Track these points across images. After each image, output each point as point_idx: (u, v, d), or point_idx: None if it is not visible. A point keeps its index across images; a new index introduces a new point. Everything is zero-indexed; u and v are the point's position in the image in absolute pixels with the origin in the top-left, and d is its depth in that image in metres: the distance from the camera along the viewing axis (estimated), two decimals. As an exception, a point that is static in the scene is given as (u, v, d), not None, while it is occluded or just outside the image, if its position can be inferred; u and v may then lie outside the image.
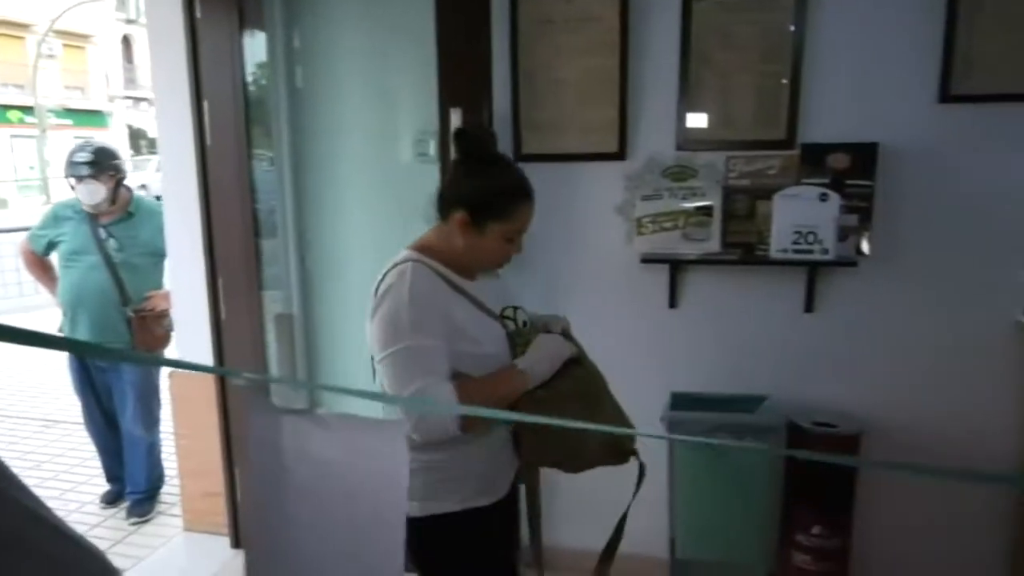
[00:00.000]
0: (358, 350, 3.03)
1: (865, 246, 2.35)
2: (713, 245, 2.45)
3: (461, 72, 2.40)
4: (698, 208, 2.44)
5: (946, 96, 2.26)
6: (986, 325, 2.34)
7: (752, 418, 2.38)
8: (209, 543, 3.07)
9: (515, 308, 1.61)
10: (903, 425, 2.44)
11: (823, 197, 2.29)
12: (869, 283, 2.39)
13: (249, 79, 2.86)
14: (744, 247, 2.44)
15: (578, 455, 1.54)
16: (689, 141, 2.47)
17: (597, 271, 2.61)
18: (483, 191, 1.48)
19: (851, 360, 2.46)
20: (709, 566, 2.52)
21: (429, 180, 2.54)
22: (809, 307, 2.46)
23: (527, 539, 1.65)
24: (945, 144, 2.29)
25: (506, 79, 2.53)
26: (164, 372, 3.39)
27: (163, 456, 3.55)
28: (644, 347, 2.62)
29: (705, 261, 2.45)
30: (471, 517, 1.52)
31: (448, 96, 2.40)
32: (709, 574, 2.56)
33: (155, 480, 3.48)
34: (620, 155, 2.51)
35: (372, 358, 1.51)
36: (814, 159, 2.36)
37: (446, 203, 1.51)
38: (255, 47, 2.87)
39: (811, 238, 2.31)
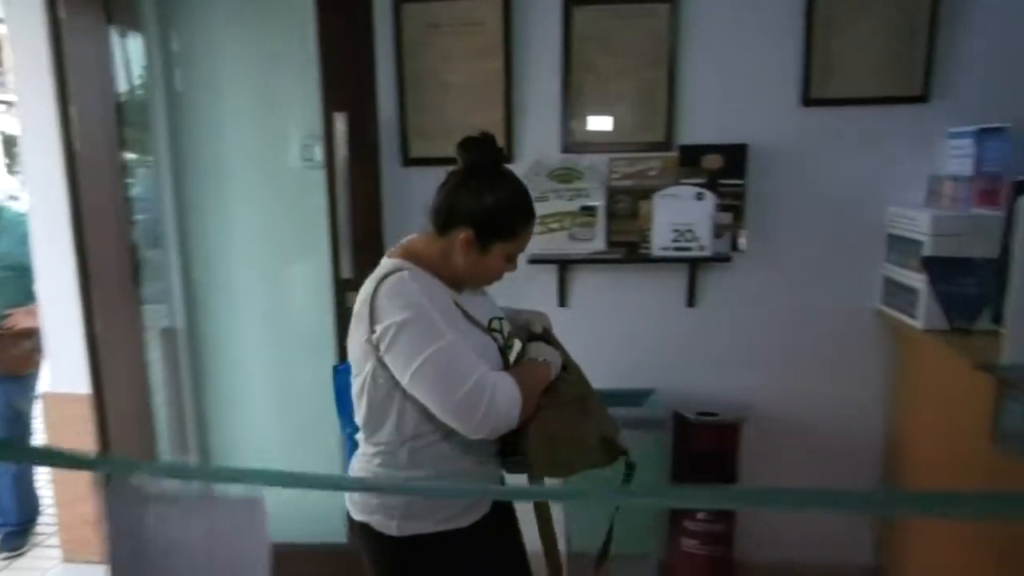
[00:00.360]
0: (248, 364, 2.98)
1: (739, 242, 2.47)
2: (599, 244, 2.52)
3: (344, 76, 2.37)
4: (584, 209, 2.51)
5: (808, 100, 2.43)
6: (848, 314, 2.52)
7: (641, 411, 2.46)
8: (90, 573, 2.90)
9: (500, 320, 1.55)
10: (778, 410, 2.59)
11: (699, 196, 2.40)
12: (744, 277, 2.53)
13: (124, 83, 2.74)
14: (628, 246, 2.53)
15: (583, 459, 1.48)
16: (574, 144, 2.53)
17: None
18: (491, 211, 1.39)
19: (730, 351, 2.59)
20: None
21: (317, 186, 2.51)
22: (691, 302, 2.57)
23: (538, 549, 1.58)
24: (807, 145, 2.45)
25: (391, 83, 2.53)
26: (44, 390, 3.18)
27: (37, 484, 3.33)
28: (537, 347, 2.66)
29: (592, 260, 2.52)
30: (451, 538, 1.45)
31: (332, 100, 2.37)
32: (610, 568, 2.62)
33: (28, 511, 3.25)
34: (507, 158, 2.54)
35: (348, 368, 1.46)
36: (691, 160, 2.47)
37: (449, 219, 1.41)
38: (131, 49, 2.75)
39: (689, 236, 2.41)
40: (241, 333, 2.89)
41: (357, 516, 1.49)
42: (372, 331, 1.35)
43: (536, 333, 1.60)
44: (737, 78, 2.45)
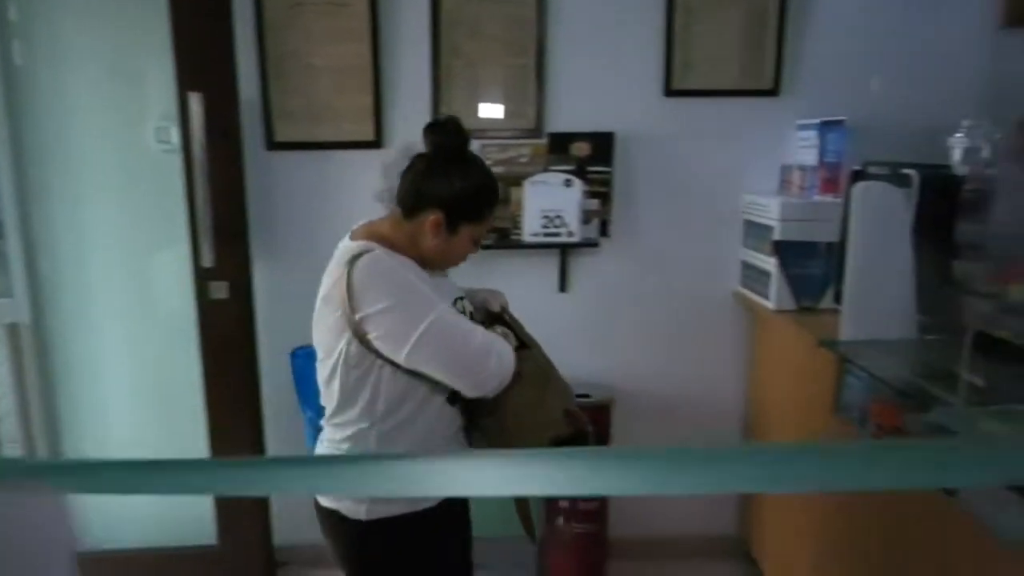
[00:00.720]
0: (105, 360, 2.79)
1: (607, 228, 2.54)
2: (471, 231, 2.52)
3: (200, 54, 2.25)
4: (456, 195, 2.50)
5: (669, 91, 2.51)
6: (709, 296, 2.64)
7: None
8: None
9: (462, 299, 1.58)
10: (646, 389, 2.69)
11: (568, 183, 2.45)
12: (611, 262, 2.60)
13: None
14: (500, 232, 2.54)
15: (547, 431, 1.50)
16: (445, 130, 2.51)
17: (361, 261, 2.58)
18: (460, 193, 1.42)
19: (600, 334, 2.66)
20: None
21: (174, 171, 2.38)
22: (563, 287, 2.62)
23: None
24: (670, 134, 2.54)
25: (254, 64, 2.43)
26: None
27: None
28: (412, 334, 2.64)
29: (464, 247, 2.52)
30: (419, 519, 1.46)
31: (186, 80, 2.25)
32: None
33: None
34: (377, 143, 2.50)
35: (338, 355, 1.42)
36: (560, 147, 2.51)
37: (418, 202, 1.43)
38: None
39: (559, 222, 2.45)
40: (96, 327, 2.70)
41: (325, 503, 1.49)
42: (353, 312, 1.34)
43: (494, 312, 1.66)
44: (604, 67, 2.51)
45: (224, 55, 2.27)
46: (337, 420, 1.47)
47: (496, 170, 2.50)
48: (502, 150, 2.53)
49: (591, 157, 2.51)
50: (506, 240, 2.53)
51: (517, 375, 1.46)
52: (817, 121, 2.36)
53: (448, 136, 1.45)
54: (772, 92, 2.51)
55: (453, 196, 1.42)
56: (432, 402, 1.45)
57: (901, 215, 1.88)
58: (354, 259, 1.36)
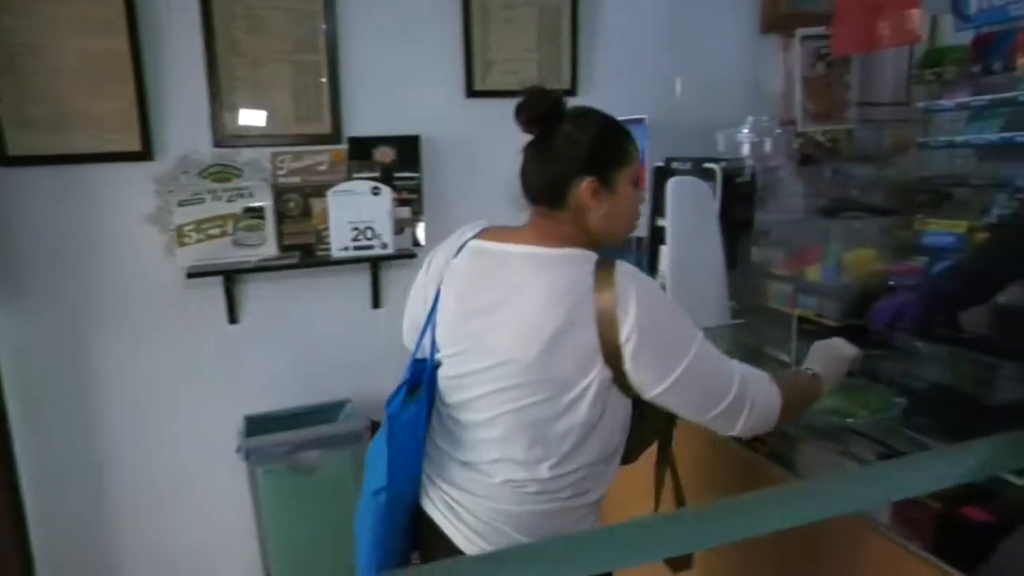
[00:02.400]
0: None
1: (420, 236, 2.41)
2: (269, 249, 2.25)
3: None
4: (248, 210, 2.22)
5: (471, 91, 2.44)
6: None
7: (334, 428, 2.27)
8: None
9: None
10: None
11: (375, 191, 2.27)
12: (428, 272, 2.47)
13: None
14: (303, 249, 2.30)
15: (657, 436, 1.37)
16: (228, 137, 2.22)
17: (134, 292, 2.19)
18: (592, 143, 1.18)
19: (422, 349, 2.52)
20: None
21: None
22: (377, 303, 2.44)
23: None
24: (475, 136, 2.46)
25: (-31, 60, 1.95)
26: None
27: None
28: (206, 371, 2.30)
29: (263, 268, 2.24)
30: None
31: None
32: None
33: None
34: (146, 154, 2.13)
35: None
36: (362, 153, 2.33)
37: (558, 184, 1.19)
38: None
39: (369, 233, 2.27)
40: None
41: None
42: (615, 337, 1.09)
43: None
44: (403, 67, 2.37)
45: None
46: (563, 468, 1.18)
47: (292, 180, 2.29)
48: (296, 158, 2.29)
49: (397, 162, 2.36)
50: (311, 257, 2.29)
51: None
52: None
53: (540, 106, 1.21)
54: (570, 92, 2.53)
55: (587, 152, 1.19)
56: (626, 434, 1.26)
57: (710, 208, 1.97)
58: (603, 268, 1.12)
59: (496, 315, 1.16)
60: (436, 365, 1.27)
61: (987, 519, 1.26)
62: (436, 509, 1.25)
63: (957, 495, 1.30)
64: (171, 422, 2.30)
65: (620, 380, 1.14)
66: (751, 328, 2.05)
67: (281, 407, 2.35)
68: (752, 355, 1.90)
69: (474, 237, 1.28)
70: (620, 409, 1.20)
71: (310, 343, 2.39)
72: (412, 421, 1.26)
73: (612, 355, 1.10)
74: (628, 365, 1.11)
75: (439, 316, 1.25)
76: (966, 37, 2.32)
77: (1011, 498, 1.21)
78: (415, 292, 1.38)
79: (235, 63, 2.18)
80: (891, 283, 2.08)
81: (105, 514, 2.28)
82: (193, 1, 2.12)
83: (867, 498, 0.61)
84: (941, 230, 2.19)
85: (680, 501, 1.46)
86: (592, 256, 1.15)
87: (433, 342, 1.26)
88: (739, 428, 1.18)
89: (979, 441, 0.64)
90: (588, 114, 1.24)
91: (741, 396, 1.16)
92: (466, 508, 1.21)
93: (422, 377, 1.28)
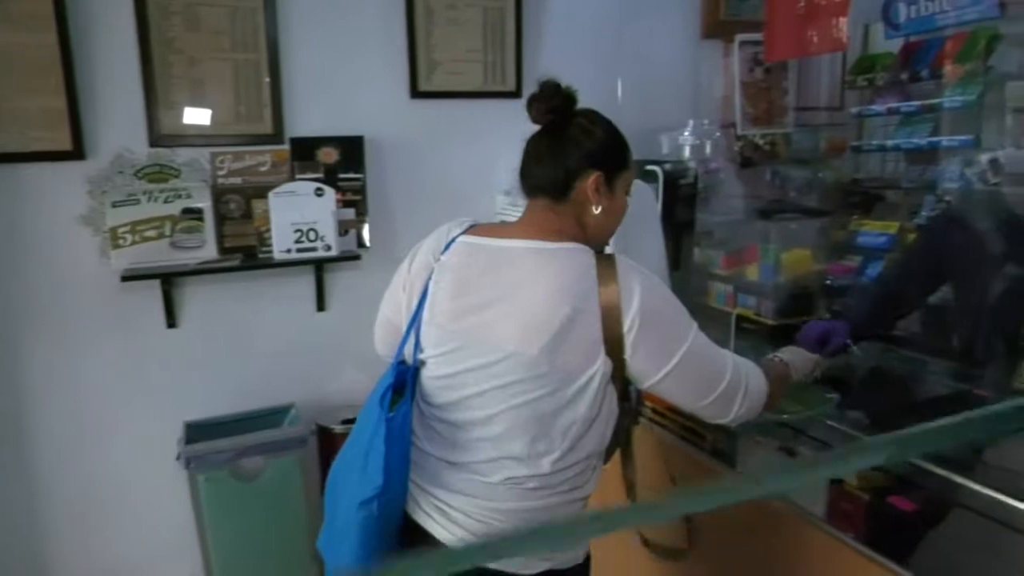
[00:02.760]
0: None
1: (365, 238, 2.38)
2: (209, 252, 2.20)
3: None
4: (186, 212, 2.16)
5: (416, 93, 2.42)
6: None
7: (280, 432, 2.23)
8: None
9: None
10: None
11: (319, 192, 2.24)
12: (372, 274, 2.43)
13: None
14: (245, 251, 2.26)
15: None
16: (165, 136, 2.16)
17: (66, 296, 2.12)
18: (604, 141, 1.22)
19: (366, 352, 2.48)
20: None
21: None
22: (321, 306, 2.40)
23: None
24: (420, 136, 2.45)
25: None
26: None
27: None
28: (144, 376, 2.24)
29: (202, 271, 2.19)
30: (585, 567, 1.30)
31: None
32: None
33: None
34: (77, 154, 2.06)
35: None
36: (305, 154, 2.30)
37: (568, 173, 1.19)
38: None
39: (312, 235, 2.24)
40: None
41: (535, 569, 1.19)
42: (619, 328, 1.11)
43: None
44: (346, 67, 2.34)
45: None
46: (565, 461, 1.18)
47: (232, 181, 2.24)
48: (237, 158, 2.24)
49: (340, 163, 2.33)
50: (253, 260, 2.25)
51: None
52: (561, 122, 2.44)
53: (557, 98, 1.21)
54: (515, 94, 2.54)
55: (600, 147, 1.21)
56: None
57: (653, 209, 2.00)
58: (605, 261, 1.14)
59: (497, 310, 1.15)
60: (420, 366, 1.25)
61: (913, 508, 1.32)
62: (426, 515, 1.22)
63: (885, 486, 1.36)
64: (107, 429, 2.22)
65: (617, 373, 1.16)
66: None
67: (223, 413, 2.30)
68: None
69: (463, 234, 1.25)
70: (614, 403, 1.21)
71: (253, 347, 2.35)
72: (402, 424, 1.22)
73: (614, 346, 1.12)
74: (628, 353, 1.13)
75: (426, 315, 1.23)
76: (896, 44, 2.41)
77: (933, 487, 1.27)
78: (393, 293, 1.34)
79: (172, 61, 2.13)
80: (827, 281, 2.15)
81: (39, 525, 2.19)
82: (126, -2, 2.06)
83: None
84: (874, 231, 2.27)
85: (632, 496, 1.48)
86: (590, 250, 1.17)
87: (417, 342, 1.24)
88: (733, 414, 1.21)
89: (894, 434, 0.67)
90: (598, 114, 1.27)
91: (735, 382, 1.19)
92: (459, 510, 1.19)
93: (406, 379, 1.25)
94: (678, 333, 1.15)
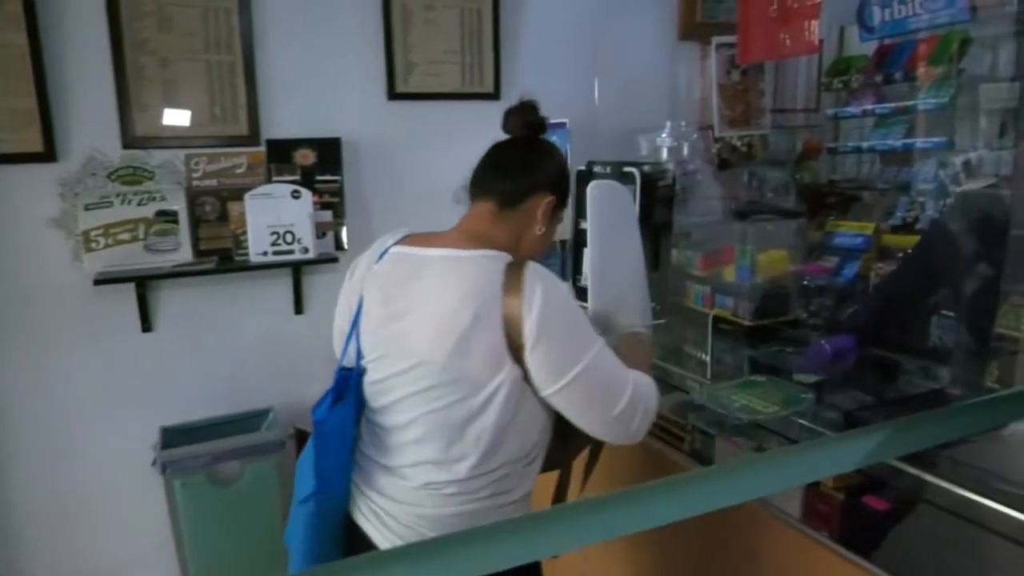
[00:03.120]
0: None
1: (343, 240, 2.37)
2: (184, 254, 2.18)
3: None
4: (160, 214, 2.14)
5: (393, 94, 2.41)
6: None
7: (255, 437, 2.21)
8: None
9: None
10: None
11: (295, 194, 2.23)
12: (351, 277, 2.43)
13: None
14: (220, 254, 2.23)
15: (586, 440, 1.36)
16: (139, 138, 2.13)
17: (38, 301, 2.09)
18: (562, 172, 1.29)
19: (346, 355, 2.48)
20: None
21: None
22: (299, 308, 2.38)
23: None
24: (397, 138, 2.44)
25: None
26: None
27: None
28: (119, 381, 2.21)
29: (177, 274, 2.16)
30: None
31: None
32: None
33: None
34: (48, 156, 2.04)
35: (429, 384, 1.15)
36: (281, 156, 2.28)
37: (526, 188, 1.24)
38: None
39: (289, 238, 2.22)
40: None
41: None
42: (520, 337, 1.10)
43: None
44: (323, 68, 2.33)
45: None
46: (483, 467, 1.18)
47: (208, 183, 2.22)
48: (213, 160, 2.22)
49: (317, 165, 2.32)
50: (229, 262, 2.22)
51: None
52: (540, 124, 2.44)
53: (535, 116, 1.28)
54: (493, 96, 2.54)
55: (560, 175, 1.29)
56: (547, 433, 1.26)
57: (630, 211, 2.00)
58: (513, 269, 1.13)
59: (413, 317, 1.17)
60: (362, 372, 1.26)
61: (886, 507, 1.33)
62: (364, 517, 1.24)
63: (859, 485, 1.37)
64: (83, 435, 2.19)
65: (529, 377, 1.16)
66: (671, 329, 2.09)
67: (200, 417, 2.28)
68: (672, 355, 1.95)
69: (396, 243, 1.27)
70: (538, 409, 1.20)
71: (230, 350, 2.32)
72: (339, 427, 1.25)
73: (518, 353, 1.12)
74: (528, 361, 1.12)
75: (363, 323, 1.25)
76: (872, 47, 2.44)
77: (905, 486, 1.28)
78: (340, 301, 1.37)
79: (144, 62, 2.10)
80: (804, 282, 2.17)
81: (13, 532, 2.16)
82: (98, -2, 2.03)
83: (758, 486, 0.63)
84: (851, 231, 2.29)
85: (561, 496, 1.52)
86: (506, 257, 1.17)
87: (359, 349, 1.26)
88: (632, 432, 1.20)
89: (864, 430, 0.67)
90: (555, 145, 1.34)
91: (634, 401, 1.18)
92: (391, 514, 1.21)
93: (348, 384, 1.27)
94: (578, 347, 1.14)
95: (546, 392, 1.15)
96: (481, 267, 1.16)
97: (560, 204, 1.30)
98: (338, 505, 1.27)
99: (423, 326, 1.15)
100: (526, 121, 1.28)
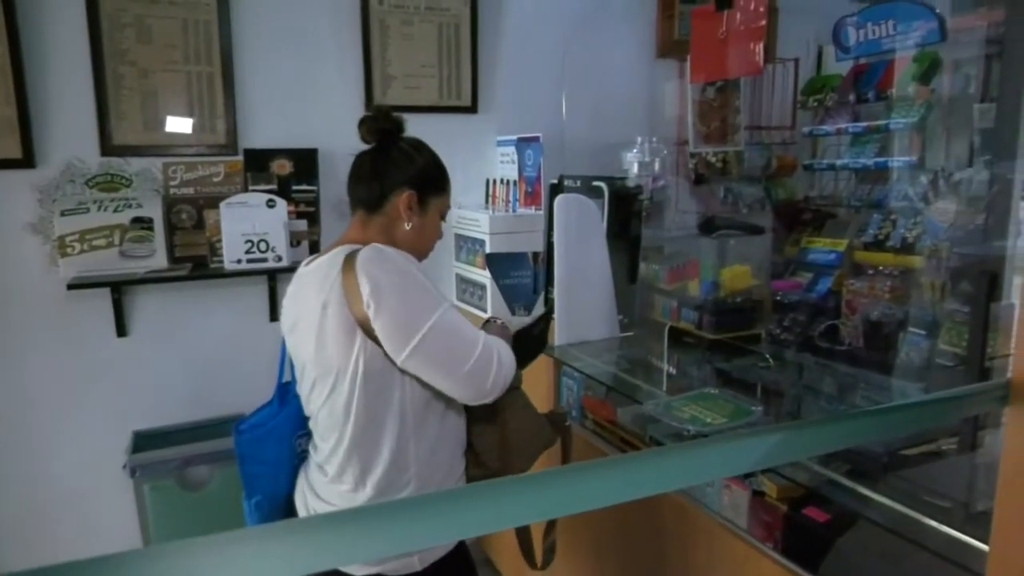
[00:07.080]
0: None
1: (319, 248, 2.40)
2: (159, 261, 2.21)
3: None
4: (135, 221, 2.17)
5: (370, 106, 2.45)
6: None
7: (226, 442, 2.21)
8: None
9: None
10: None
11: (271, 203, 2.26)
12: (326, 285, 2.46)
13: None
14: (196, 260, 2.27)
15: (545, 445, 1.44)
16: (117, 146, 2.17)
17: (13, 304, 2.12)
18: (424, 165, 1.35)
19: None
20: None
21: None
22: (274, 316, 2.41)
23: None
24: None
25: None
26: None
27: None
28: (92, 385, 2.24)
29: (152, 280, 2.19)
30: (464, 546, 1.38)
31: None
32: None
33: None
34: (27, 162, 2.08)
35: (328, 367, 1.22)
36: (258, 165, 2.32)
37: (384, 188, 1.32)
38: None
39: (263, 246, 2.26)
40: None
41: (362, 572, 1.25)
42: (360, 307, 1.17)
43: None
44: (301, 80, 2.37)
45: None
46: (396, 468, 1.25)
47: (184, 192, 2.25)
48: (189, 169, 2.26)
49: (294, 175, 2.35)
50: (204, 269, 2.26)
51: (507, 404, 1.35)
52: (514, 137, 2.47)
53: (387, 122, 1.36)
54: (471, 109, 2.57)
55: (417, 170, 1.34)
56: (450, 415, 1.32)
57: (597, 224, 2.03)
58: (351, 255, 1.21)
59: (299, 328, 1.28)
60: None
61: (827, 519, 1.34)
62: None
63: (800, 497, 1.38)
64: (54, 438, 2.22)
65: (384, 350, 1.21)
66: (637, 340, 2.11)
67: (173, 422, 2.30)
68: (636, 365, 1.96)
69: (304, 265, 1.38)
70: (417, 390, 1.24)
71: (204, 356, 2.35)
72: (261, 438, 1.39)
73: (367, 325, 1.18)
74: (376, 329, 1.17)
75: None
76: (847, 66, 2.47)
77: (844, 499, 1.29)
78: None
79: (125, 72, 2.14)
80: (777, 298, 2.19)
81: (-20, 536, 2.18)
82: (78, 8, 2.07)
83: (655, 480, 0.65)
84: (824, 248, 2.31)
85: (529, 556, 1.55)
86: (356, 247, 1.24)
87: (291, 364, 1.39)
88: (488, 388, 1.25)
89: (762, 429, 0.69)
90: (423, 143, 1.41)
91: (487, 354, 1.24)
92: (317, 511, 1.30)
93: (282, 396, 1.41)
94: (421, 309, 1.19)
95: (400, 358, 1.19)
96: (332, 261, 1.24)
97: (427, 196, 1.35)
98: (283, 506, 1.40)
99: (301, 334, 1.26)
100: (377, 127, 1.35)
